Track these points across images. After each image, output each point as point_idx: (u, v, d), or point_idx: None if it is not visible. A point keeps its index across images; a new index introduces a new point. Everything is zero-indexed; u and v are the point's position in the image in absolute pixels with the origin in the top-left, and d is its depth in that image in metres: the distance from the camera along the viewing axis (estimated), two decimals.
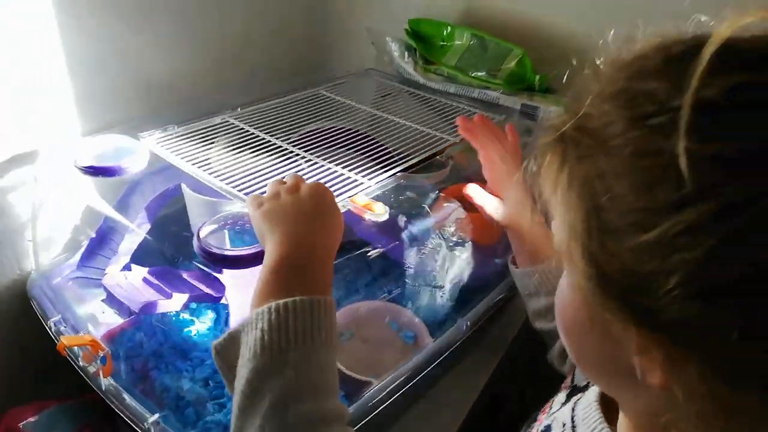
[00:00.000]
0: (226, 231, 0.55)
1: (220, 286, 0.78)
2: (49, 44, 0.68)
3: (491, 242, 0.83)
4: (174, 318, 0.77)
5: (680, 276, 0.27)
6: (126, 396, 0.58)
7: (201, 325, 0.77)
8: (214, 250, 0.52)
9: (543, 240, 0.64)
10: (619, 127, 0.30)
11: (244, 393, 0.39)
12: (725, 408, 0.31)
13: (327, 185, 0.55)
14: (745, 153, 0.26)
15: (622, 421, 0.39)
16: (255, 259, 0.52)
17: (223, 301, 0.77)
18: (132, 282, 0.74)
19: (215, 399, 0.68)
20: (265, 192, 0.52)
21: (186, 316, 0.78)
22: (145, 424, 0.55)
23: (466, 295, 0.73)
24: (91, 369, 0.60)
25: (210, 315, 0.78)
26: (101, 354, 0.58)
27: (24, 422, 0.66)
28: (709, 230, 0.27)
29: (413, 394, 0.70)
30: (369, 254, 0.59)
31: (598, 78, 0.32)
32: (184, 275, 0.80)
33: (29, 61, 0.67)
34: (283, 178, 0.57)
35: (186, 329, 0.76)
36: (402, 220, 0.61)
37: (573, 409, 0.44)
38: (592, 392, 0.43)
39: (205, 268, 0.62)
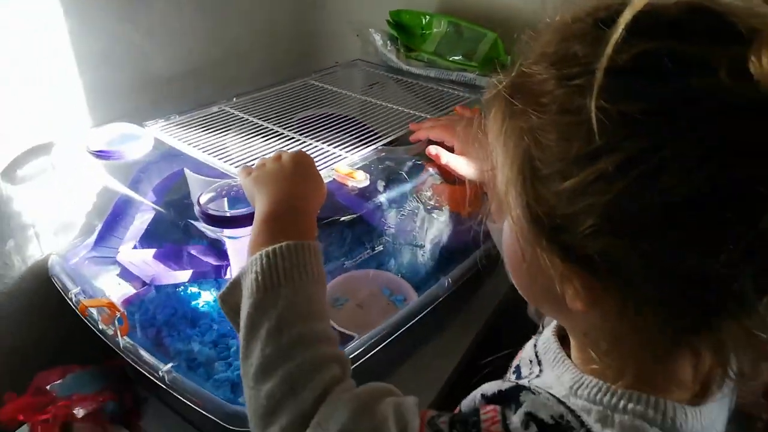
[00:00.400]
0: (225, 198, 0.62)
1: (221, 259, 0.85)
2: (58, 43, 0.75)
3: (471, 211, 0.89)
4: (182, 292, 0.84)
5: (594, 217, 0.32)
6: (142, 351, 0.65)
7: (207, 297, 0.84)
8: (212, 212, 0.58)
9: None
10: (549, 85, 0.34)
11: (246, 325, 0.45)
12: (633, 326, 0.36)
13: (315, 160, 0.62)
14: (645, 113, 0.30)
15: (572, 344, 0.45)
16: (248, 218, 0.58)
17: (226, 276, 0.84)
18: (143, 258, 0.81)
19: (223, 359, 0.74)
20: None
21: (193, 289, 0.85)
22: (160, 372, 0.62)
23: (447, 256, 0.79)
24: (109, 331, 0.67)
25: (215, 290, 0.85)
26: (118, 315, 0.65)
27: (51, 384, 0.73)
28: (615, 179, 0.31)
29: (399, 352, 0.76)
30: (348, 218, 0.65)
31: (537, 40, 0.36)
32: (192, 251, 0.88)
33: (39, 60, 0.73)
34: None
35: (194, 301, 0.83)
36: (381, 185, 0.67)
37: (535, 346, 0.49)
38: (549, 329, 0.48)
39: (208, 231, 0.68)
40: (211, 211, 0.58)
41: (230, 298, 0.49)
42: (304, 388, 0.41)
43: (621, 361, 0.39)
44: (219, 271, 0.84)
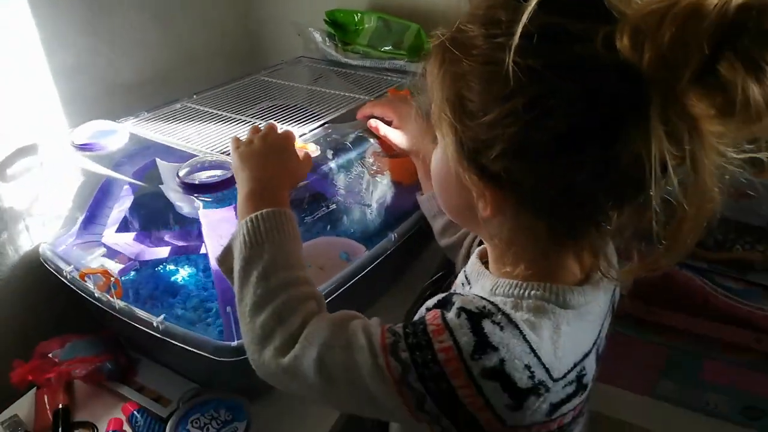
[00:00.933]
0: (199, 172, 0.73)
1: (193, 241, 0.96)
2: (34, 56, 0.85)
3: (411, 181, 1.03)
4: (162, 269, 0.94)
5: (503, 144, 0.42)
6: (135, 309, 0.75)
7: (184, 272, 0.94)
8: (189, 181, 0.70)
9: None
10: (478, 41, 0.42)
11: (239, 276, 0.57)
12: (528, 229, 0.48)
13: None
14: (544, 66, 0.39)
15: (489, 258, 0.56)
16: (219, 185, 0.70)
17: (201, 252, 0.94)
18: (125, 240, 0.92)
19: (203, 321, 0.84)
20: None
21: (171, 267, 0.95)
22: (154, 323, 0.73)
23: (392, 218, 0.92)
24: (104, 297, 0.77)
25: (189, 267, 0.95)
26: (112, 280, 0.75)
27: (52, 352, 0.82)
28: (521, 114, 0.40)
29: (358, 305, 0.88)
30: (306, 183, 0.76)
31: (471, 3, 0.46)
32: (166, 235, 0.98)
33: (18, 71, 0.83)
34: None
35: (172, 277, 0.94)
36: (330, 154, 0.80)
37: (464, 271, 0.60)
38: (473, 256, 0.59)
39: (183, 206, 0.79)
40: (188, 181, 0.70)
41: (226, 259, 0.60)
42: (291, 317, 0.52)
43: (520, 259, 0.50)
44: (194, 250, 0.95)
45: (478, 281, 0.55)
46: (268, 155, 0.66)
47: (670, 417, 0.86)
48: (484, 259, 0.57)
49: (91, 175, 0.89)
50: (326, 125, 0.87)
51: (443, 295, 0.50)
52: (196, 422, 0.73)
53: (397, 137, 0.84)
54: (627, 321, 0.84)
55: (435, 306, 0.49)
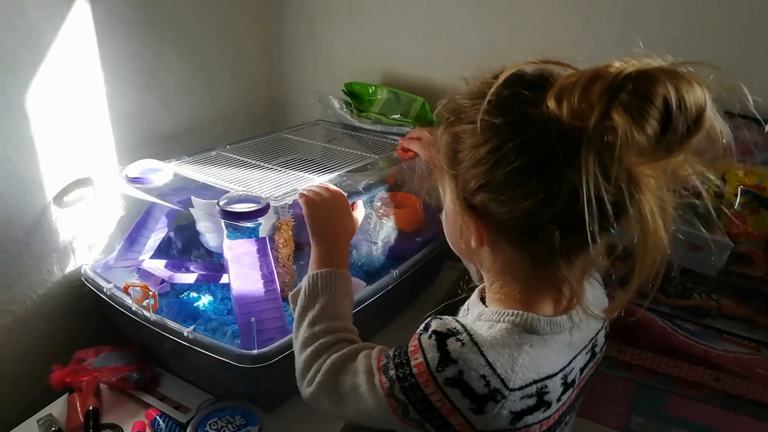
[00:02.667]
0: (235, 203, 0.86)
1: (218, 272, 1.07)
2: (98, 103, 1.00)
3: (413, 229, 1.16)
4: (186, 296, 1.05)
5: (476, 181, 0.55)
6: (168, 321, 0.86)
7: (205, 300, 1.04)
8: (228, 209, 0.83)
9: None
10: (466, 108, 0.56)
11: (296, 319, 0.72)
12: (509, 259, 0.58)
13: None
14: (504, 123, 0.52)
15: (486, 290, 0.66)
16: (253, 214, 0.83)
17: (222, 280, 1.05)
18: (158, 266, 1.03)
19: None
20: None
21: (194, 294, 1.06)
22: (185, 333, 0.83)
23: (395, 258, 1.05)
24: (141, 309, 0.87)
25: (210, 295, 1.06)
26: (150, 294, 0.86)
27: (87, 359, 0.92)
28: (487, 159, 0.53)
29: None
30: None
31: (467, 84, 0.60)
32: (191, 267, 1.10)
33: (83, 115, 0.98)
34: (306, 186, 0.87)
35: (195, 303, 1.04)
36: (345, 194, 0.93)
37: (467, 300, 0.71)
38: (476, 290, 0.70)
39: (210, 242, 0.91)
40: (227, 208, 0.83)
41: (293, 300, 0.75)
42: (323, 355, 0.65)
43: (507, 289, 0.61)
44: (215, 279, 1.06)
45: (473, 309, 0.66)
46: (333, 216, 0.81)
47: None
48: (482, 294, 0.67)
49: (135, 207, 1.02)
50: (341, 174, 1.01)
51: (430, 318, 0.60)
52: (214, 425, 0.82)
53: (424, 152, 0.97)
54: (604, 360, 0.95)
55: (421, 329, 0.59)
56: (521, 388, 0.55)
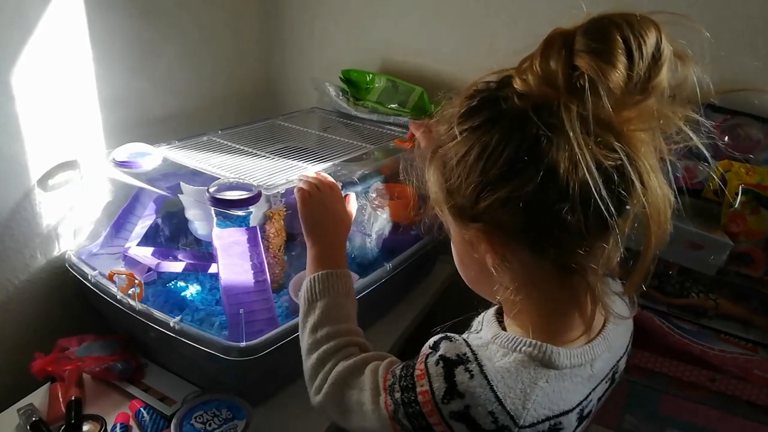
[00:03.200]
0: (225, 190, 0.83)
1: (206, 261, 1.04)
2: (87, 85, 0.97)
3: (408, 221, 1.14)
4: (173, 285, 1.03)
5: (475, 191, 0.52)
6: (153, 310, 0.83)
7: (192, 289, 1.02)
8: (218, 196, 0.80)
9: None
10: (445, 134, 0.55)
11: (300, 324, 0.70)
12: (529, 267, 0.53)
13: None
14: (483, 122, 0.51)
15: (504, 316, 0.62)
16: (243, 202, 0.81)
17: (211, 270, 1.02)
18: (145, 253, 1.00)
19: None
20: None
21: (182, 283, 1.03)
22: (171, 323, 0.81)
23: (389, 250, 1.03)
24: (126, 298, 0.85)
25: (198, 284, 1.03)
26: (136, 282, 0.84)
27: (70, 348, 0.89)
28: (478, 162, 0.51)
29: None
30: None
31: (452, 103, 0.58)
32: (179, 255, 1.07)
33: (71, 96, 0.95)
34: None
35: (182, 293, 1.02)
36: (339, 185, 0.91)
37: (484, 313, 0.67)
38: (491, 310, 0.66)
39: (198, 230, 0.89)
40: (217, 196, 0.80)
41: (296, 305, 0.74)
42: (328, 363, 0.64)
43: (527, 312, 0.57)
44: (203, 268, 1.03)
45: (488, 329, 0.62)
46: (328, 215, 0.79)
47: None
48: (499, 312, 0.64)
49: (122, 192, 1.00)
50: (336, 163, 0.99)
51: (440, 336, 0.57)
52: (199, 418, 0.80)
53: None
54: None
55: (431, 347, 0.57)
56: (532, 425, 0.51)
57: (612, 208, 0.48)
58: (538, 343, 0.54)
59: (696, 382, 0.89)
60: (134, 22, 1.03)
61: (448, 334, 0.58)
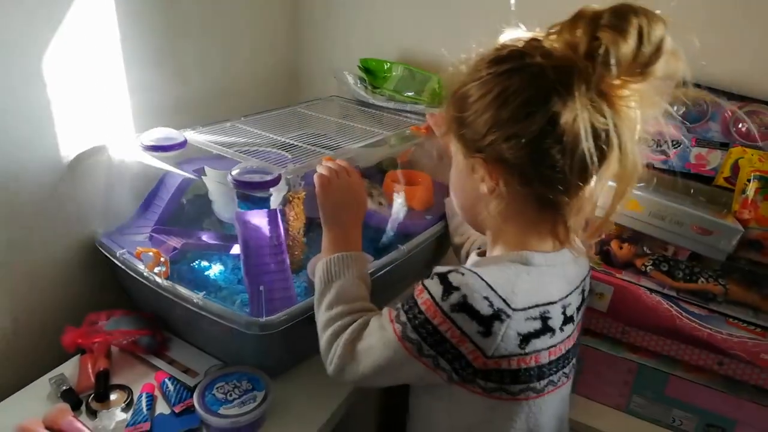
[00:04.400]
0: (248, 173, 0.87)
1: (229, 242, 1.08)
2: (116, 73, 1.02)
3: (423, 208, 1.17)
4: (197, 265, 1.07)
5: (486, 126, 0.61)
6: (179, 287, 0.87)
7: (215, 269, 1.06)
8: (240, 179, 0.84)
9: None
10: (470, 75, 0.64)
11: (316, 302, 0.77)
12: (517, 198, 0.64)
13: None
14: (506, 71, 0.60)
15: (488, 242, 0.72)
16: (264, 184, 0.84)
17: (233, 251, 1.06)
18: (171, 234, 1.05)
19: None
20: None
21: (205, 263, 1.07)
22: (194, 299, 0.85)
23: (403, 235, 1.05)
24: (153, 275, 0.89)
25: (220, 264, 1.07)
26: (162, 260, 0.88)
27: (99, 322, 0.94)
28: (493, 103, 0.60)
29: None
30: None
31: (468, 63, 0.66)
32: (203, 236, 1.11)
33: (101, 84, 0.99)
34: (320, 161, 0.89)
35: (206, 272, 1.06)
36: (357, 169, 0.94)
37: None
38: (473, 253, 0.76)
39: (221, 213, 0.92)
40: (239, 178, 0.84)
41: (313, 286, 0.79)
42: (340, 336, 0.70)
43: (510, 234, 0.67)
44: (226, 248, 1.07)
45: (470, 262, 0.73)
46: (346, 200, 0.84)
47: (641, 431, 0.95)
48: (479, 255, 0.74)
49: (150, 175, 1.04)
50: (354, 148, 1.02)
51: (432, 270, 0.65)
52: (221, 389, 0.84)
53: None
54: (605, 340, 0.96)
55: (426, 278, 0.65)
56: (524, 309, 0.60)
57: (594, 158, 0.57)
58: (516, 251, 0.65)
59: (703, 366, 0.90)
60: (161, 9, 1.07)
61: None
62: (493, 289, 0.59)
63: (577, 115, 0.56)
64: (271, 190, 0.86)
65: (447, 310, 0.59)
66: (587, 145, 0.56)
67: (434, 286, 0.61)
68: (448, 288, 0.59)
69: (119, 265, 0.95)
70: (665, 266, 0.92)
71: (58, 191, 0.96)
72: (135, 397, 0.85)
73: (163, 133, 0.97)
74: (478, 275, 0.60)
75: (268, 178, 0.84)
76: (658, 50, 0.55)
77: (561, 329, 0.64)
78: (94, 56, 0.97)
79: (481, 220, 0.71)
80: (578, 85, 0.56)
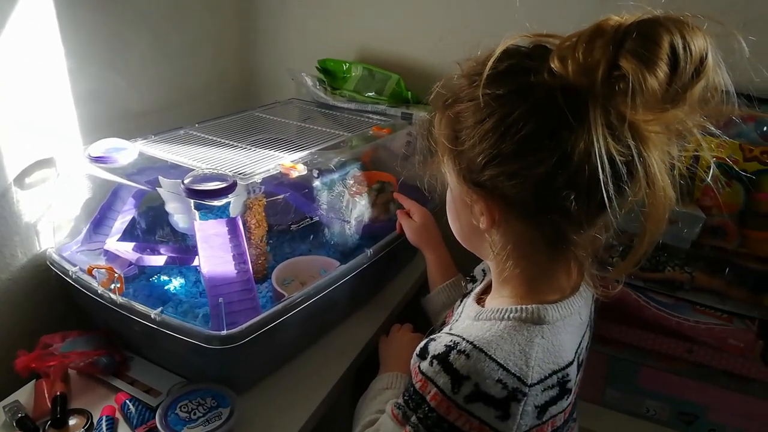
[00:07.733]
0: (200, 182, 0.84)
1: (188, 254, 1.04)
2: (59, 80, 0.97)
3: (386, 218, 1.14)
4: (156, 279, 1.03)
5: (484, 158, 0.52)
6: (135, 303, 0.83)
7: (176, 282, 1.02)
8: (192, 187, 0.80)
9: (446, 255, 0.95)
10: (465, 89, 0.55)
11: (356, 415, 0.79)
12: (521, 237, 0.57)
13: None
14: (508, 92, 0.51)
15: (492, 289, 0.65)
16: (219, 192, 0.81)
17: (194, 263, 1.03)
18: (126, 248, 1.01)
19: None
20: None
21: (165, 277, 1.04)
22: (152, 315, 0.81)
23: (371, 237, 1.03)
24: (107, 292, 0.85)
25: (181, 278, 1.03)
26: (116, 276, 0.84)
27: (54, 345, 0.89)
28: (493, 132, 0.51)
29: (331, 317, 0.98)
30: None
31: (461, 70, 0.58)
32: (162, 249, 1.07)
33: (44, 93, 0.94)
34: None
35: (165, 286, 1.02)
36: (315, 173, 0.91)
37: (461, 308, 0.71)
38: (471, 297, 0.70)
39: (179, 222, 0.89)
40: (192, 187, 0.80)
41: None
42: None
43: (517, 274, 0.58)
44: (185, 261, 1.03)
45: (467, 311, 0.65)
46: (400, 355, 0.85)
47: (617, 423, 0.95)
48: (480, 301, 0.67)
49: (100, 188, 0.99)
50: (313, 151, 0.99)
51: (424, 342, 0.59)
52: (184, 407, 0.80)
53: (409, 229, 0.97)
54: None
55: (418, 355, 0.58)
56: (541, 381, 0.53)
57: (614, 200, 0.49)
58: (524, 306, 0.56)
59: (673, 354, 0.91)
60: (104, 13, 1.03)
61: (429, 337, 0.59)
62: (505, 368, 0.52)
63: (593, 147, 0.47)
64: (230, 197, 0.83)
65: (462, 403, 0.52)
66: (604, 178, 0.47)
67: (439, 377, 0.53)
68: (457, 378, 0.52)
69: (72, 283, 0.90)
70: None
71: (3, 208, 0.91)
72: (95, 421, 0.81)
73: (111, 144, 0.93)
74: (486, 354, 0.52)
75: (223, 185, 0.81)
76: (696, 75, 0.46)
77: (575, 383, 0.58)
78: (36, 66, 0.92)
79: (481, 251, 0.64)
80: (594, 114, 0.47)
